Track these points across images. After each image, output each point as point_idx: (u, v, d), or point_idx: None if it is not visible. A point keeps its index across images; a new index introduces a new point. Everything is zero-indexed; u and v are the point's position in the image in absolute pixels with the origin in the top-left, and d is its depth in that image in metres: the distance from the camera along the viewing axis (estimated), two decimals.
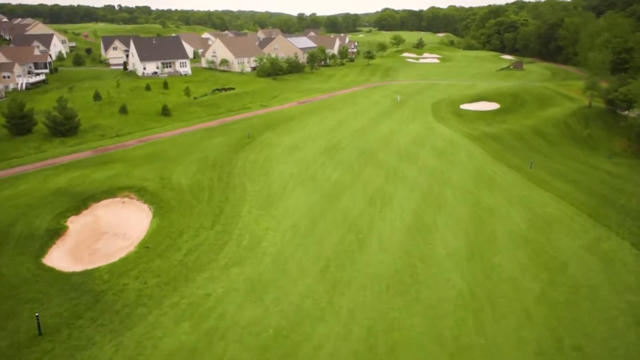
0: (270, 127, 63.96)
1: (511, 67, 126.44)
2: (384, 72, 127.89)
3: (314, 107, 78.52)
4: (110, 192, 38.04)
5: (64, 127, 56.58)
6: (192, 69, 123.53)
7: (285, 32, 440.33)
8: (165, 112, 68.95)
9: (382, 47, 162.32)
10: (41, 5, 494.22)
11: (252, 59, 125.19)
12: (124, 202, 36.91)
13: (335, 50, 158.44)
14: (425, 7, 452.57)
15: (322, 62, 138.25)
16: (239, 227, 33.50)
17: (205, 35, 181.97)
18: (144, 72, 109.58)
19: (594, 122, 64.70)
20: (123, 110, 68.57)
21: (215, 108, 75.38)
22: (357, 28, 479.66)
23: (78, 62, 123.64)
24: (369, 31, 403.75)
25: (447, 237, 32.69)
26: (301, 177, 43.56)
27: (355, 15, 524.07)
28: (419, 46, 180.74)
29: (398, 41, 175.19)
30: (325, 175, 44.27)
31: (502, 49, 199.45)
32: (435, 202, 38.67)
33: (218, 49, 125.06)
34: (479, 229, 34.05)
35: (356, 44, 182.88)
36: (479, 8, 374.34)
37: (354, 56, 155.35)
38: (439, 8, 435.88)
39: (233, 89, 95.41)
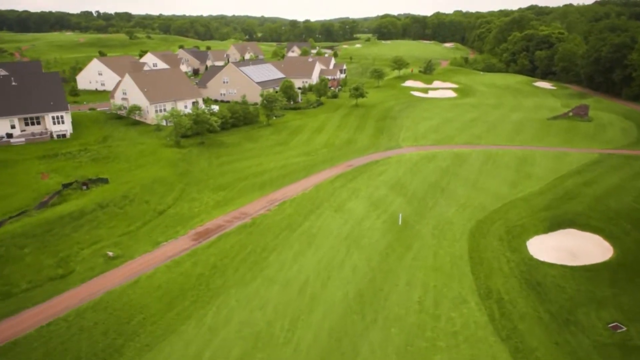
0: None
1: (570, 113, 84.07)
2: (378, 121, 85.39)
3: (213, 263, 36.13)
4: None
5: None
6: (95, 114, 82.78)
7: (277, 40, 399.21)
8: None
9: (379, 74, 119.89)
10: (11, 11, 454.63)
11: (182, 102, 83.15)
12: None
13: (314, 79, 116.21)
14: (428, 12, 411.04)
15: (291, 102, 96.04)
16: None
17: (148, 57, 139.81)
18: None
19: None
20: None
21: None
22: (355, 35, 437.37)
23: None
24: (367, 40, 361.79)
25: None
26: None
27: (353, 21, 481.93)
28: (428, 70, 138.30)
29: (400, 65, 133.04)
30: None
31: (532, 71, 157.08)
32: None
33: (129, 89, 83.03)
34: None
35: (344, 67, 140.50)
36: (490, 14, 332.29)
37: (337, 90, 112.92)
38: (444, 14, 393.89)
39: (105, 181, 53.28)
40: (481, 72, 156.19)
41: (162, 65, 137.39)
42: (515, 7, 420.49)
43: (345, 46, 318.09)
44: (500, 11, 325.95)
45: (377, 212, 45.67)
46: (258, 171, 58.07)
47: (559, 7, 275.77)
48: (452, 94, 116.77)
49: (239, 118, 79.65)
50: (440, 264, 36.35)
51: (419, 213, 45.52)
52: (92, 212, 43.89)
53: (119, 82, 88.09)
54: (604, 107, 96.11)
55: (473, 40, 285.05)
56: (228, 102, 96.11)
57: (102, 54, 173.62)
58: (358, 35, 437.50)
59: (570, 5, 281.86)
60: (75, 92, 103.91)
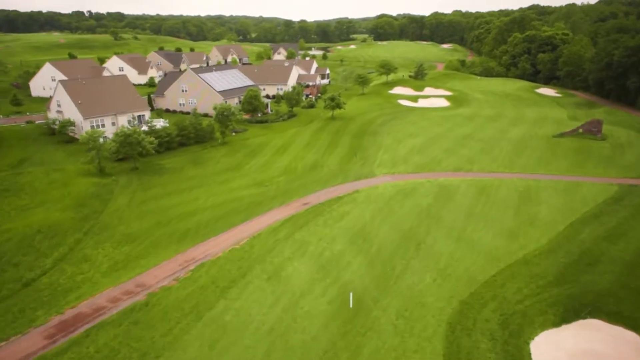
0: None
1: (580, 130, 71.65)
2: (354, 138, 73.02)
3: None
4: None
5: None
6: (27, 129, 71.26)
7: (271, 41, 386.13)
8: None
9: (364, 80, 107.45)
10: (0, 11, 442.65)
11: (125, 116, 71.08)
12: None
13: (289, 86, 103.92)
14: (427, 12, 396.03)
15: (259, 114, 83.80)
16: None
17: (114, 60, 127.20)
18: None
19: None
20: None
21: None
22: (351, 36, 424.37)
23: None
24: (364, 40, 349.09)
25: None
26: None
27: (349, 21, 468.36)
28: (418, 75, 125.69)
29: (387, 70, 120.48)
30: None
31: (534, 75, 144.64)
32: None
33: (63, 101, 70.93)
34: None
35: (327, 72, 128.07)
36: (490, 14, 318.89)
37: (315, 98, 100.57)
38: (443, 14, 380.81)
39: None
40: (478, 77, 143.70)
41: (128, 69, 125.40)
42: (516, 7, 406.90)
43: (339, 47, 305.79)
44: (501, 11, 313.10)
45: (325, 283, 33.29)
46: (187, 211, 45.73)
47: (561, 7, 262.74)
48: (444, 102, 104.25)
49: (188, 136, 67.36)
50: None
51: (382, 285, 33.11)
52: None
53: (54, 91, 75.86)
54: (619, 120, 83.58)
55: (472, 41, 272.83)
56: (188, 113, 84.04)
57: (71, 56, 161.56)
58: (354, 36, 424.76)
59: (574, 4, 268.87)
60: (17, 102, 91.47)
